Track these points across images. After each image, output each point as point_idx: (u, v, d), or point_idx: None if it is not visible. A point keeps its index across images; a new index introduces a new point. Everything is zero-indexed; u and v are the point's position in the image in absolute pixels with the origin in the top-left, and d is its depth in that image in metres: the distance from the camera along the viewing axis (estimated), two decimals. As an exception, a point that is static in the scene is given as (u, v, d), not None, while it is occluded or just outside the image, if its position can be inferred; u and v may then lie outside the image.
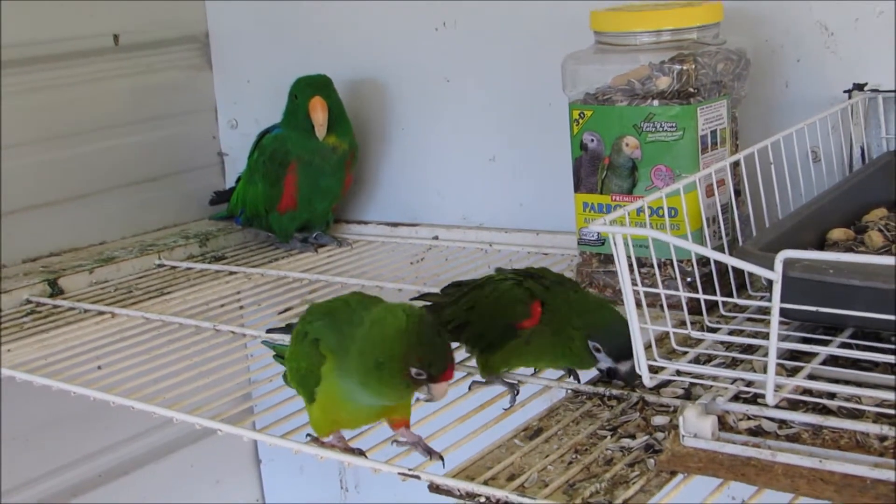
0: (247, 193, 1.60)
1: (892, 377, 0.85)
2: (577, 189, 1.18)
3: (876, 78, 1.18)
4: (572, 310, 0.95)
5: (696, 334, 0.91)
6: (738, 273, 1.01)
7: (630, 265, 0.81)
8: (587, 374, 1.00)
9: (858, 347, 0.87)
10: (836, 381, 0.84)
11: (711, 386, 0.87)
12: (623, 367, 0.92)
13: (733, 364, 0.93)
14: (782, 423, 0.82)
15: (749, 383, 0.87)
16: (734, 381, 0.87)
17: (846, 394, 0.83)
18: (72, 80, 1.59)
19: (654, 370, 0.85)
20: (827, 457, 0.76)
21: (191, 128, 1.77)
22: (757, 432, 0.81)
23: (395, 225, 1.61)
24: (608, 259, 1.16)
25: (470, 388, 1.02)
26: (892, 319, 0.77)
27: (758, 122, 1.24)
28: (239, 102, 1.78)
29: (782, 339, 0.88)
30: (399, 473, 0.84)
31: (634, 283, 0.81)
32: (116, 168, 1.67)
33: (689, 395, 0.91)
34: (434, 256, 1.48)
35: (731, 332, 0.96)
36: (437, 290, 1.11)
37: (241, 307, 1.37)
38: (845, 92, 1.19)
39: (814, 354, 0.88)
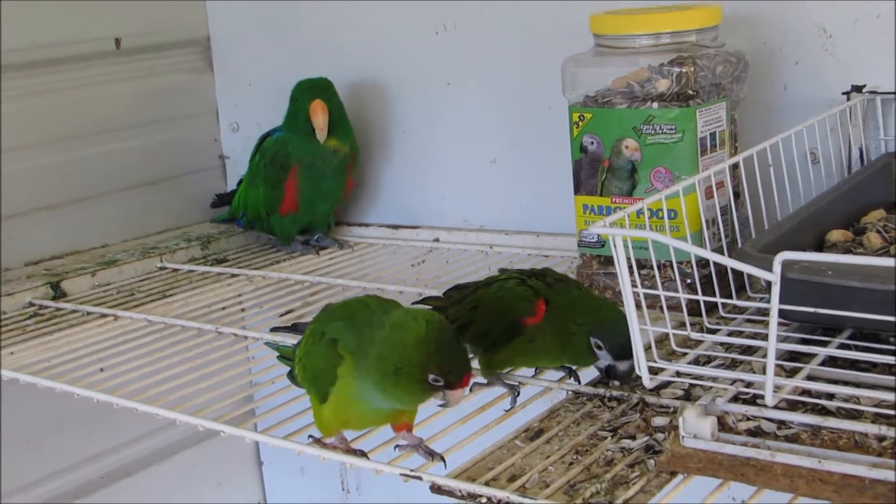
0: (248, 196, 1.60)
1: (891, 378, 0.85)
2: (577, 191, 1.19)
3: (874, 80, 1.18)
4: (575, 307, 0.96)
5: (695, 336, 0.92)
6: (738, 274, 1.02)
7: (630, 267, 0.81)
8: (588, 376, 1.00)
9: (857, 348, 0.87)
10: (835, 382, 0.84)
11: (711, 387, 0.88)
12: (622, 365, 0.93)
13: (733, 365, 0.93)
14: (781, 423, 0.83)
15: (748, 384, 0.87)
16: (733, 381, 0.88)
17: (845, 394, 0.83)
18: (74, 84, 1.60)
19: (654, 371, 0.85)
20: (826, 457, 0.77)
21: (192, 131, 1.78)
22: (756, 433, 0.82)
23: (396, 227, 1.62)
24: (608, 261, 1.17)
25: (471, 390, 1.02)
26: (891, 320, 0.78)
27: (757, 124, 1.24)
28: (240, 105, 1.78)
29: (781, 340, 0.89)
30: (401, 474, 0.85)
31: (634, 285, 0.82)
32: (118, 171, 1.67)
33: (688, 396, 0.91)
34: (435, 259, 1.49)
35: (730, 334, 0.96)
36: (438, 292, 1.12)
37: (243, 309, 1.37)
38: (844, 94, 1.19)
39: (812, 355, 0.88)
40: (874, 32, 1.18)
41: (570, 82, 1.18)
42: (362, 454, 0.90)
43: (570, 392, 0.98)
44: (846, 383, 0.85)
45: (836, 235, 1.03)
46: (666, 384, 0.93)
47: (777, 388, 0.80)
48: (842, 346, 0.89)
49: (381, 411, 0.88)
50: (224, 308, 1.35)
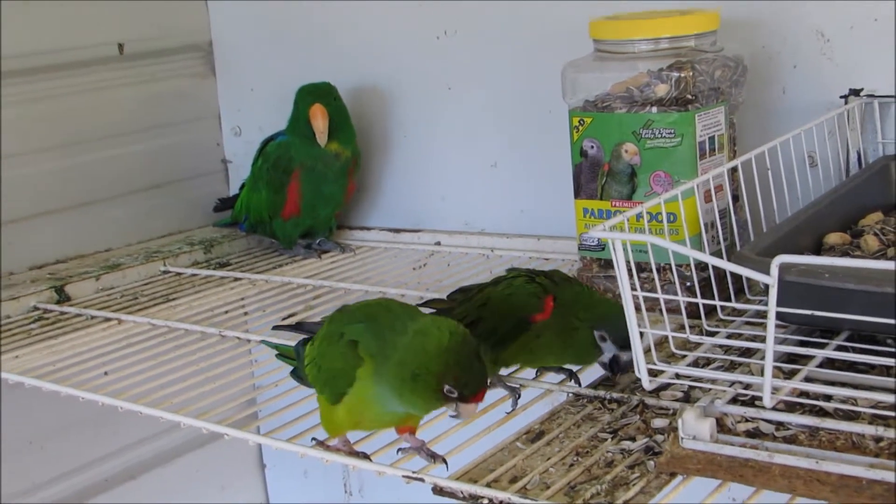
0: (251, 200, 1.61)
1: (888, 379, 0.86)
2: (577, 195, 1.19)
3: (872, 83, 1.19)
4: (579, 303, 0.97)
5: (694, 338, 0.92)
6: (737, 277, 1.02)
7: (629, 270, 0.82)
8: (588, 378, 1.01)
9: (854, 350, 0.88)
10: (833, 384, 0.85)
11: (710, 389, 0.88)
12: (625, 355, 0.93)
13: (731, 367, 0.94)
14: (779, 424, 0.83)
15: (747, 386, 0.87)
16: (732, 383, 0.88)
17: (842, 396, 0.84)
18: (77, 89, 1.61)
19: (653, 374, 0.86)
20: (823, 458, 0.77)
21: (195, 135, 1.79)
22: (754, 434, 0.82)
23: (398, 231, 1.62)
24: (608, 264, 1.18)
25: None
26: (887, 322, 0.79)
27: (755, 127, 1.25)
28: (242, 110, 1.79)
29: (779, 342, 0.89)
30: (403, 476, 0.86)
31: (634, 288, 0.82)
32: (122, 176, 1.68)
33: (688, 398, 0.92)
34: (436, 262, 1.49)
35: (729, 336, 0.97)
36: (439, 295, 1.12)
37: (246, 313, 1.38)
38: (841, 97, 1.20)
39: (810, 357, 0.89)
40: (872, 36, 1.19)
41: (569, 87, 1.18)
42: (365, 456, 0.90)
43: (570, 394, 0.99)
44: (844, 385, 0.85)
45: (833, 238, 1.03)
46: (665, 386, 0.93)
47: (775, 390, 0.81)
48: (839, 348, 0.89)
49: (394, 414, 0.88)
50: (227, 312, 1.36)
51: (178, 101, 1.75)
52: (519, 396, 1.01)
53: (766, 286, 0.76)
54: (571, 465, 0.85)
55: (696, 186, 1.01)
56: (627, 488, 0.79)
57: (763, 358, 0.78)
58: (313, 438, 0.94)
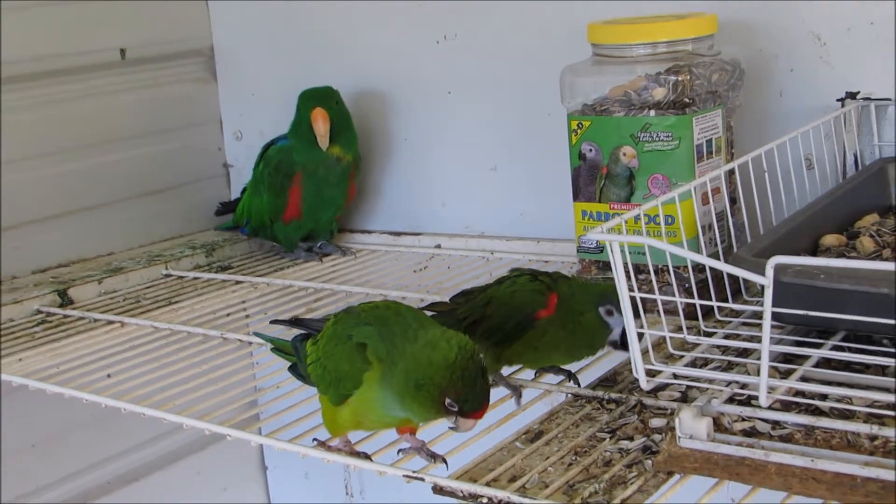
0: (252, 204, 1.62)
1: (883, 379, 0.87)
2: (576, 198, 1.20)
3: (868, 86, 1.20)
4: (579, 290, 0.99)
5: (692, 339, 0.93)
6: (734, 279, 1.03)
7: (627, 272, 0.82)
8: (587, 378, 1.02)
9: (850, 350, 0.89)
10: (828, 383, 0.86)
11: (707, 389, 0.89)
12: None
13: (728, 367, 0.95)
14: (776, 423, 0.84)
15: (743, 386, 0.88)
16: (729, 383, 0.89)
17: (838, 395, 0.84)
18: (80, 94, 1.62)
19: (651, 374, 0.87)
20: (819, 456, 0.78)
21: (196, 140, 1.79)
22: (751, 433, 0.83)
23: (398, 234, 1.63)
24: (607, 266, 1.18)
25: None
26: (882, 322, 0.80)
27: (752, 130, 1.25)
28: (244, 114, 1.80)
29: (775, 342, 0.90)
30: (404, 476, 0.86)
31: (632, 290, 0.83)
32: (124, 180, 1.69)
33: (685, 398, 0.93)
34: (437, 265, 1.50)
35: (726, 337, 0.98)
36: (440, 298, 1.13)
37: (248, 316, 1.38)
38: (838, 100, 1.20)
39: (806, 357, 0.89)
40: (868, 39, 1.19)
41: (568, 91, 1.19)
42: (366, 457, 0.91)
43: (569, 395, 1.00)
44: (839, 384, 0.86)
45: (830, 240, 1.04)
46: (663, 386, 0.94)
47: (771, 390, 0.82)
48: (835, 348, 0.90)
49: (396, 418, 0.89)
50: (229, 314, 1.36)
51: (180, 106, 1.76)
52: (520, 395, 1.02)
53: (763, 287, 0.76)
54: (570, 464, 0.85)
55: (693, 189, 1.01)
56: (625, 487, 0.80)
57: (759, 358, 0.79)
58: (314, 439, 0.95)
